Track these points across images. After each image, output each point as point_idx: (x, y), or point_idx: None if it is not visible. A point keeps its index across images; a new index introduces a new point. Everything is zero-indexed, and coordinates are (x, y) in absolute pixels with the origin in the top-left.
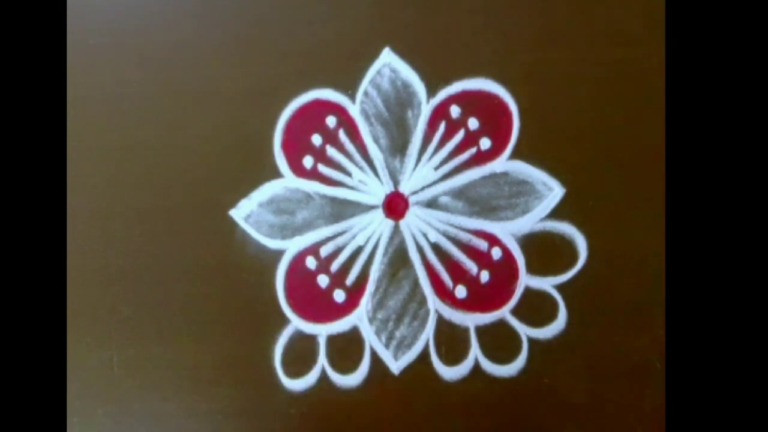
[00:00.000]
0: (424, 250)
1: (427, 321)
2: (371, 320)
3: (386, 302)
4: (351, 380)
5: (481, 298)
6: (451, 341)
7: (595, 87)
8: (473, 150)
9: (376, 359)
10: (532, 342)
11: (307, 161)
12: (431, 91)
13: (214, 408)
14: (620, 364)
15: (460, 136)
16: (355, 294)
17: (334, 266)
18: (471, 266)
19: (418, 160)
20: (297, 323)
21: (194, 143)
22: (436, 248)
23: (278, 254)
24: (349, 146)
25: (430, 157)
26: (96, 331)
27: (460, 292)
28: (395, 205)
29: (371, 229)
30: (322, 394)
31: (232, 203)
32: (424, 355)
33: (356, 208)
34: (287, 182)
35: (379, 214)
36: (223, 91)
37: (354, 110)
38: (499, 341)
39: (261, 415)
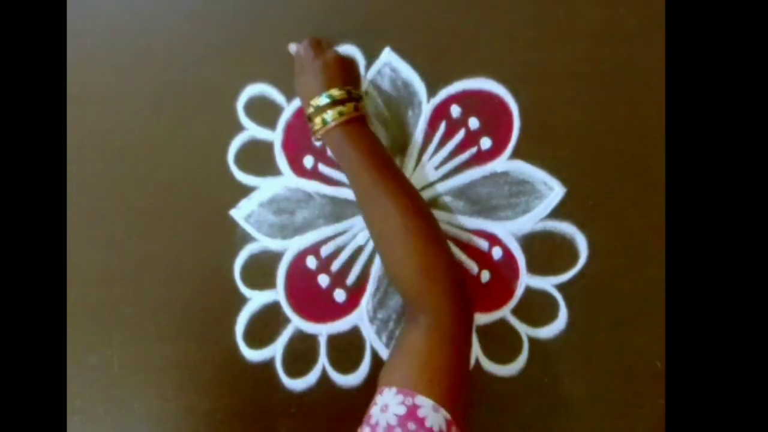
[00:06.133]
0: None
1: None
2: (372, 320)
3: (387, 302)
4: (351, 380)
5: (481, 298)
6: None
7: (596, 86)
8: (474, 150)
9: (376, 359)
10: (533, 342)
11: (308, 161)
12: (432, 91)
13: (214, 408)
14: (620, 364)
15: (460, 135)
16: (355, 293)
17: (335, 266)
18: (471, 266)
19: (419, 159)
20: (297, 323)
21: (194, 143)
22: None
23: (279, 254)
24: None
25: (431, 157)
26: (96, 331)
27: None
28: None
29: None
30: (323, 394)
31: (232, 203)
32: None
33: (357, 208)
34: (288, 182)
35: None
36: (223, 91)
37: None
38: (500, 341)
39: (261, 415)
